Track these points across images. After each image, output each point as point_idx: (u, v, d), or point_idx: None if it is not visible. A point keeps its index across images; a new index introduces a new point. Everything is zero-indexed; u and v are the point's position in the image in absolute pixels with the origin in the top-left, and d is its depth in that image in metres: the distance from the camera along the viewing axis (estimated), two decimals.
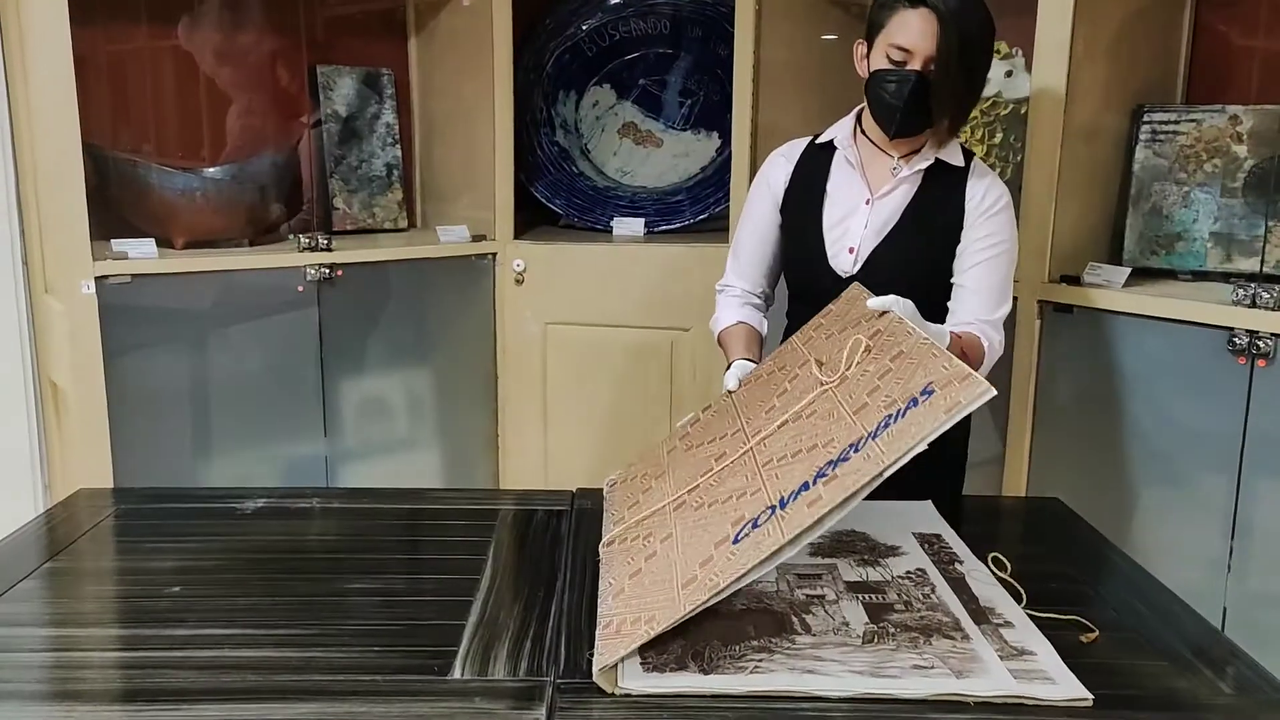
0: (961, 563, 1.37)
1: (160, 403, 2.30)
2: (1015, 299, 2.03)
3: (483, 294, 2.68)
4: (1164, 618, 1.24)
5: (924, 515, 1.56)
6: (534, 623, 1.19)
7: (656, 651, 1.09)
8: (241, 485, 2.43)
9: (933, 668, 1.08)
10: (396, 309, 2.62)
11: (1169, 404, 1.86)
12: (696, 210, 2.72)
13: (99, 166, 2.28)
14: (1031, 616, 1.21)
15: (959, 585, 1.30)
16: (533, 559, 1.38)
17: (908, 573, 1.33)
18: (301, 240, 2.44)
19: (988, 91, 2.15)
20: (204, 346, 2.36)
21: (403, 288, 2.58)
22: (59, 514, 1.53)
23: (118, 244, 2.23)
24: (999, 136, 2.21)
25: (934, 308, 1.64)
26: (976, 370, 1.57)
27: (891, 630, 1.16)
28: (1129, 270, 1.95)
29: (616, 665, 1.06)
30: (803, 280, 1.75)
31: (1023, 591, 1.28)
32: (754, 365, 1.63)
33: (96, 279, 2.15)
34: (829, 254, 1.68)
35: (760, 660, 1.08)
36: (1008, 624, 1.19)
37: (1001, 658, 1.10)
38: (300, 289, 2.43)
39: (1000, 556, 1.35)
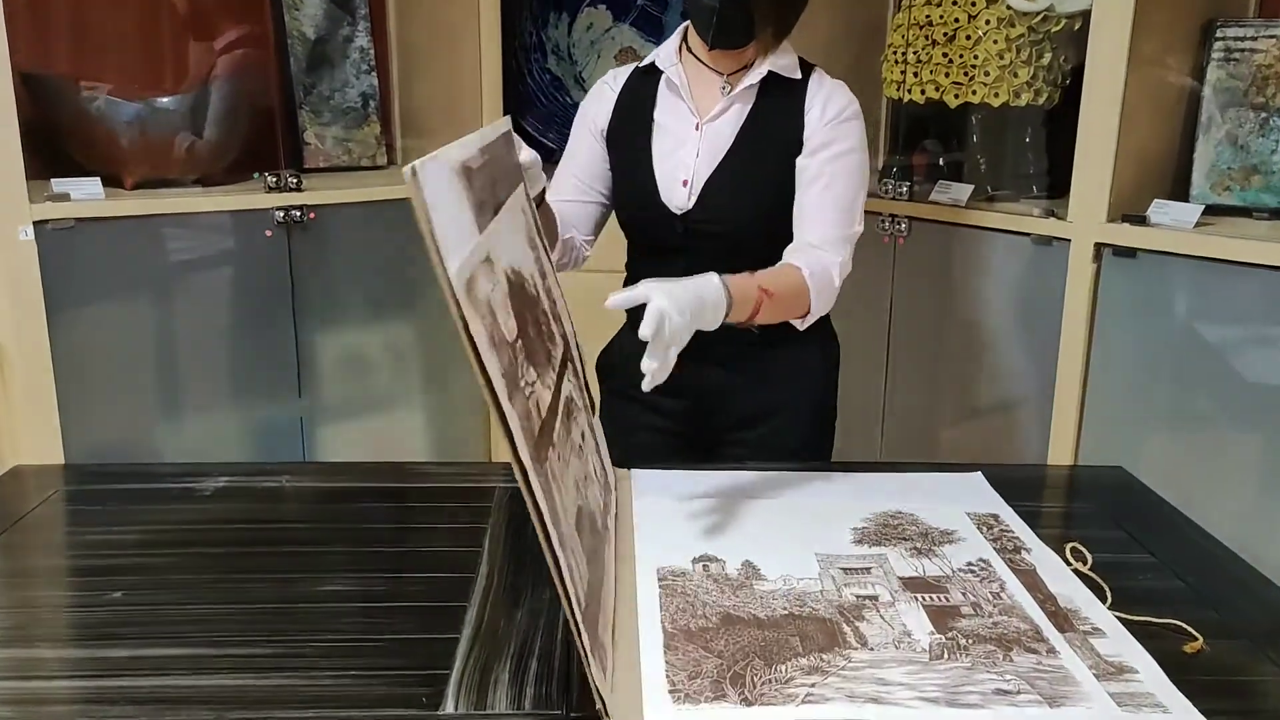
0: (1029, 550, 1.21)
1: (113, 362, 2.11)
2: (1068, 241, 1.87)
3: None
4: (1277, 618, 1.09)
5: (975, 490, 1.40)
6: (540, 634, 1.02)
7: (688, 675, 0.93)
8: (208, 452, 2.27)
9: (1019, 692, 0.92)
10: (376, 255, 2.41)
11: (1246, 360, 1.69)
12: None
13: (35, 95, 2.06)
14: (1121, 620, 1.05)
15: (1030, 580, 1.14)
16: (534, 550, 1.20)
17: (969, 564, 1.17)
18: (268, 179, 2.23)
19: (1037, 5, 1.94)
20: (161, 299, 2.16)
21: (382, 231, 2.38)
22: None
23: (59, 184, 2.02)
24: (1046, 57, 2.00)
25: (785, 241, 1.48)
26: (801, 305, 1.41)
27: (963, 642, 1.00)
28: (1200, 208, 1.76)
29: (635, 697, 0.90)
30: (636, 222, 1.57)
31: (1107, 588, 1.12)
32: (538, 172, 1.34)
33: (35, 224, 1.94)
34: (660, 189, 1.51)
35: (812, 685, 0.92)
36: (1097, 631, 1.03)
37: (1098, 677, 0.94)
38: (268, 234, 2.23)
39: (1080, 548, 1.19)
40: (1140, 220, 1.78)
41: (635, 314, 1.64)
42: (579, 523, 1.01)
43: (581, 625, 0.87)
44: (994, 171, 2.16)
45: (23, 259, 1.94)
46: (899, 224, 2.15)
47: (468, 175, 0.93)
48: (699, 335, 1.27)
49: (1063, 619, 1.05)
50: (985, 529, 1.27)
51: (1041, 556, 1.19)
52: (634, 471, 1.42)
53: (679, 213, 1.51)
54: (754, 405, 1.55)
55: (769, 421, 1.58)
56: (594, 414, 1.30)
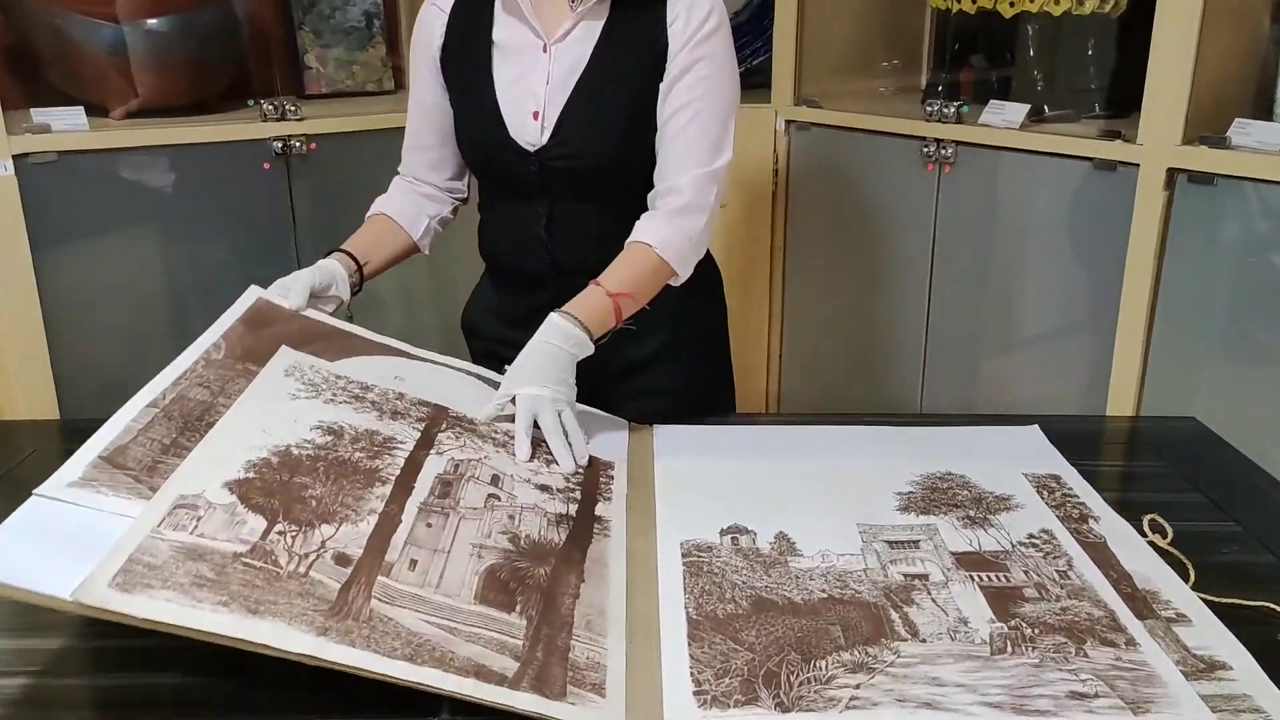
0: (1096, 519, 1.09)
1: (105, 306, 2.01)
2: (1136, 166, 1.71)
3: None
4: None
5: (1033, 447, 1.28)
6: None
7: (715, 672, 0.83)
8: None
9: (1097, 695, 0.80)
10: (383, 188, 2.28)
11: None
12: None
13: (10, 17, 1.93)
14: (1207, 603, 0.93)
15: (1101, 555, 1.02)
16: None
17: (1030, 536, 1.05)
18: (265, 107, 2.09)
19: None
20: (153, 239, 2.05)
21: (389, 163, 2.20)
22: None
23: (39, 114, 1.89)
24: None
25: (652, 175, 1.32)
26: (662, 278, 1.26)
27: (1028, 632, 0.88)
28: None
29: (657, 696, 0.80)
30: (483, 161, 1.39)
31: (1189, 564, 1.00)
32: (342, 270, 1.32)
33: (15, 158, 1.83)
34: (508, 123, 1.32)
35: (857, 686, 0.81)
36: (1181, 618, 0.91)
37: (1186, 675, 0.83)
38: (266, 166, 2.10)
39: (1160, 520, 1.06)
40: (1219, 142, 1.61)
41: (493, 267, 1.51)
42: (505, 575, 0.93)
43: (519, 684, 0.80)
44: (1051, 90, 1.98)
45: (2, 196, 1.83)
46: (944, 149, 1.98)
47: (106, 470, 0.91)
48: (562, 294, 1.25)
49: (1141, 603, 0.93)
50: (1046, 493, 1.15)
51: (1112, 526, 1.07)
52: (656, 428, 1.31)
53: (531, 149, 1.31)
54: (630, 352, 1.38)
55: (651, 367, 1.43)
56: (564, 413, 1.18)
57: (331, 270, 1.32)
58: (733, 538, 1.05)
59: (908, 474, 1.18)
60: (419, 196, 1.44)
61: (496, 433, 1.17)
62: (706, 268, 1.47)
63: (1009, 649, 0.86)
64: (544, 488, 1.09)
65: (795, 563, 1.00)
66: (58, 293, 1.93)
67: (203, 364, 1.12)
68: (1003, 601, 0.93)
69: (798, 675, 0.82)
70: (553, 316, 1.21)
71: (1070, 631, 0.88)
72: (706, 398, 1.48)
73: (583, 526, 1.04)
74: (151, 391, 1.05)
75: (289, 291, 1.27)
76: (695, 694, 0.80)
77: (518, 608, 0.88)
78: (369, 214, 1.44)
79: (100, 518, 0.85)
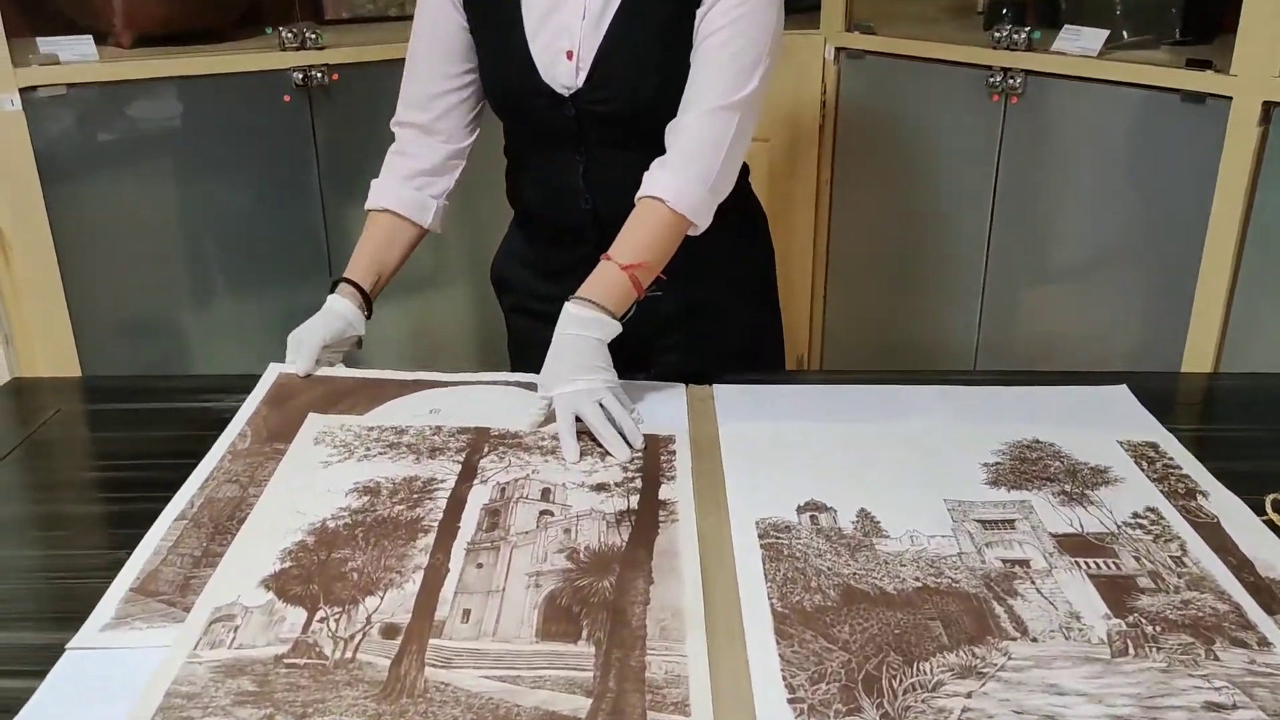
0: (1205, 495, 1.01)
1: (122, 245, 1.93)
2: (1228, 99, 1.58)
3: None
4: None
5: (1123, 410, 1.19)
6: None
7: (809, 676, 0.76)
8: (232, 343, 2.11)
9: (1234, 707, 0.73)
10: None
11: None
12: None
13: None
14: None
15: (1216, 538, 0.94)
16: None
17: (1135, 515, 0.97)
18: (284, 35, 1.98)
19: None
20: (170, 175, 1.96)
21: None
22: None
23: (46, 44, 1.79)
24: None
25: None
26: (680, 232, 1.16)
27: (1149, 629, 0.81)
28: None
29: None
30: (512, 108, 1.28)
31: None
32: (353, 309, 1.26)
33: (22, 91, 1.73)
34: (539, 65, 1.22)
35: (968, 695, 0.74)
36: None
37: None
38: (287, 98, 2.00)
39: None
40: None
41: (525, 219, 1.41)
42: (559, 598, 0.86)
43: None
44: (1131, 14, 1.84)
45: (11, 132, 1.74)
46: (1011, 79, 1.86)
47: (138, 601, 0.85)
48: (604, 244, 1.16)
49: (1267, 594, 0.86)
50: (1145, 464, 1.06)
51: (1223, 503, 0.99)
52: (715, 389, 1.22)
53: (566, 93, 1.22)
54: (676, 304, 1.30)
55: (694, 319, 1.34)
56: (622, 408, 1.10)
57: (343, 314, 1.26)
58: (811, 516, 0.97)
59: (991, 441, 1.10)
60: (420, 176, 1.31)
61: (543, 440, 1.10)
62: (748, 209, 1.38)
63: (1130, 650, 0.79)
64: (600, 487, 1.02)
65: (882, 545, 0.92)
66: (71, 232, 1.85)
67: (229, 458, 1.07)
68: (1116, 593, 0.85)
69: (900, 680, 0.75)
70: (568, 306, 1.13)
71: (1196, 629, 0.81)
72: (756, 350, 1.40)
73: (647, 518, 0.97)
74: (179, 503, 1.00)
75: (300, 347, 1.22)
76: (790, 702, 0.73)
77: (584, 634, 0.81)
78: (369, 210, 1.32)
79: (139, 655, 0.79)
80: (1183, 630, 0.81)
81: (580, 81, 1.21)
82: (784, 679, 0.75)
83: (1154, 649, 0.79)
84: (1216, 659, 0.77)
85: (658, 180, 1.16)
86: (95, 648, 0.80)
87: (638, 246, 1.15)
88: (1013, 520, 0.96)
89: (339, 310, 1.26)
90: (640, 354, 1.24)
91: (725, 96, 1.16)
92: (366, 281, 1.29)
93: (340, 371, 1.25)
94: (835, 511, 0.97)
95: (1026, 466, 1.06)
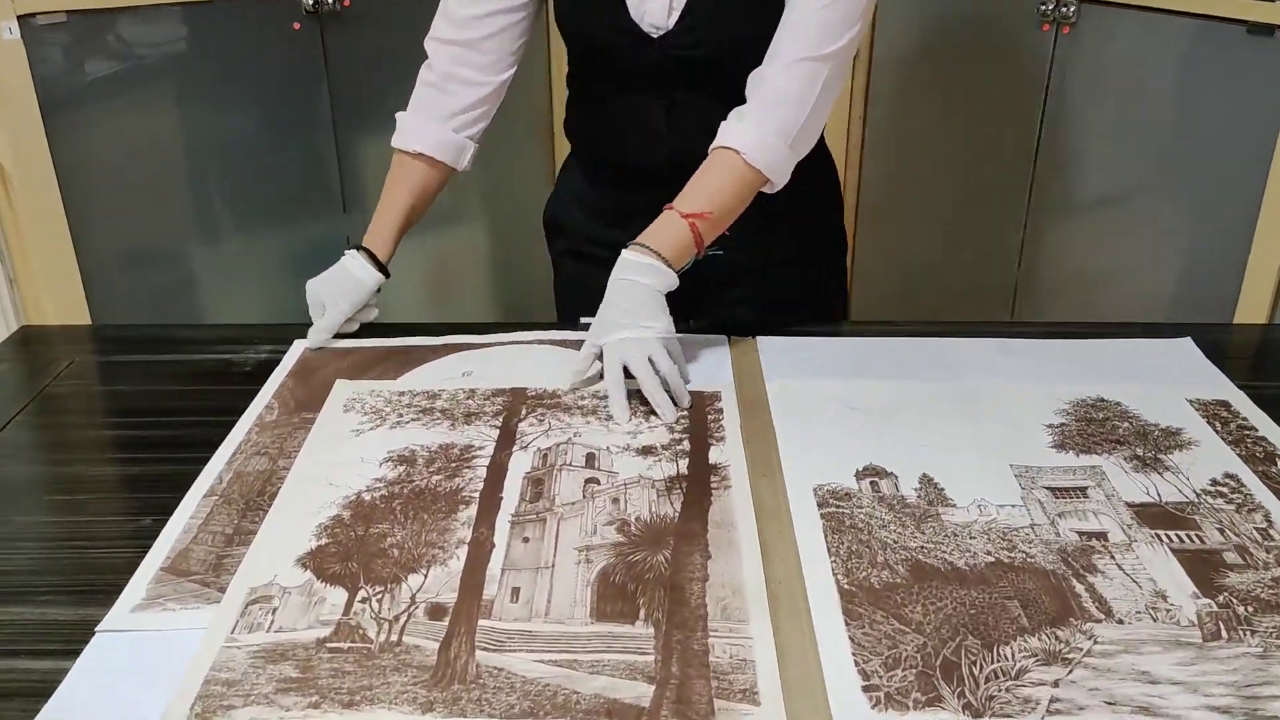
0: None
1: (127, 181, 1.86)
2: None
3: (539, 21, 2.13)
4: None
5: (1190, 364, 1.14)
6: None
7: (884, 661, 0.72)
8: (244, 282, 2.06)
9: None
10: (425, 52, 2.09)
11: None
12: None
13: None
14: None
15: None
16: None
17: (1214, 483, 0.92)
18: None
19: None
20: (175, 106, 1.88)
21: (431, 19, 2.04)
22: None
23: None
24: None
25: None
26: (752, 187, 1.09)
27: (1241, 610, 0.76)
28: None
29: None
30: (589, 45, 1.19)
31: None
32: (370, 282, 1.19)
33: (20, 18, 1.65)
34: (630, 5, 1.13)
35: (1055, 683, 0.70)
36: None
37: None
38: (296, 25, 1.91)
39: None
40: None
41: (590, 161, 1.32)
42: (612, 573, 0.81)
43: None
44: None
45: (10, 62, 1.66)
46: (1064, 6, 1.76)
47: (169, 581, 0.81)
48: (679, 189, 1.09)
49: None
50: (1218, 425, 1.01)
51: None
52: (759, 341, 1.17)
53: (655, 34, 1.13)
54: (744, 255, 1.23)
55: (766, 272, 1.27)
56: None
57: (364, 281, 1.19)
58: (872, 482, 0.92)
59: (1054, 400, 1.05)
60: (458, 116, 1.21)
61: (584, 400, 1.05)
62: (824, 163, 1.30)
63: (1223, 633, 0.74)
64: (646, 451, 0.97)
65: (949, 515, 0.87)
66: (74, 167, 1.79)
67: (256, 430, 1.02)
68: (1202, 569, 0.81)
69: (981, 666, 0.71)
70: (625, 253, 1.07)
71: None
72: (822, 309, 1.34)
73: (698, 485, 0.92)
74: (207, 478, 0.95)
75: (322, 322, 1.17)
76: (865, 690, 0.69)
77: (641, 614, 0.77)
78: (400, 150, 1.22)
79: (173, 638, 0.75)
80: (1277, 611, 0.76)
81: (671, 22, 1.13)
82: (856, 664, 0.71)
83: (1248, 632, 0.74)
84: None
85: (734, 131, 1.09)
86: (127, 630, 0.76)
87: (704, 197, 1.08)
88: (1085, 488, 0.92)
89: (360, 278, 1.18)
90: (698, 305, 1.18)
91: (814, 48, 1.08)
92: (391, 243, 1.22)
93: (367, 342, 1.20)
94: (896, 477, 0.93)
95: (1094, 428, 1.00)
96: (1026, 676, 0.70)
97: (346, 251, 1.20)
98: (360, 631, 0.75)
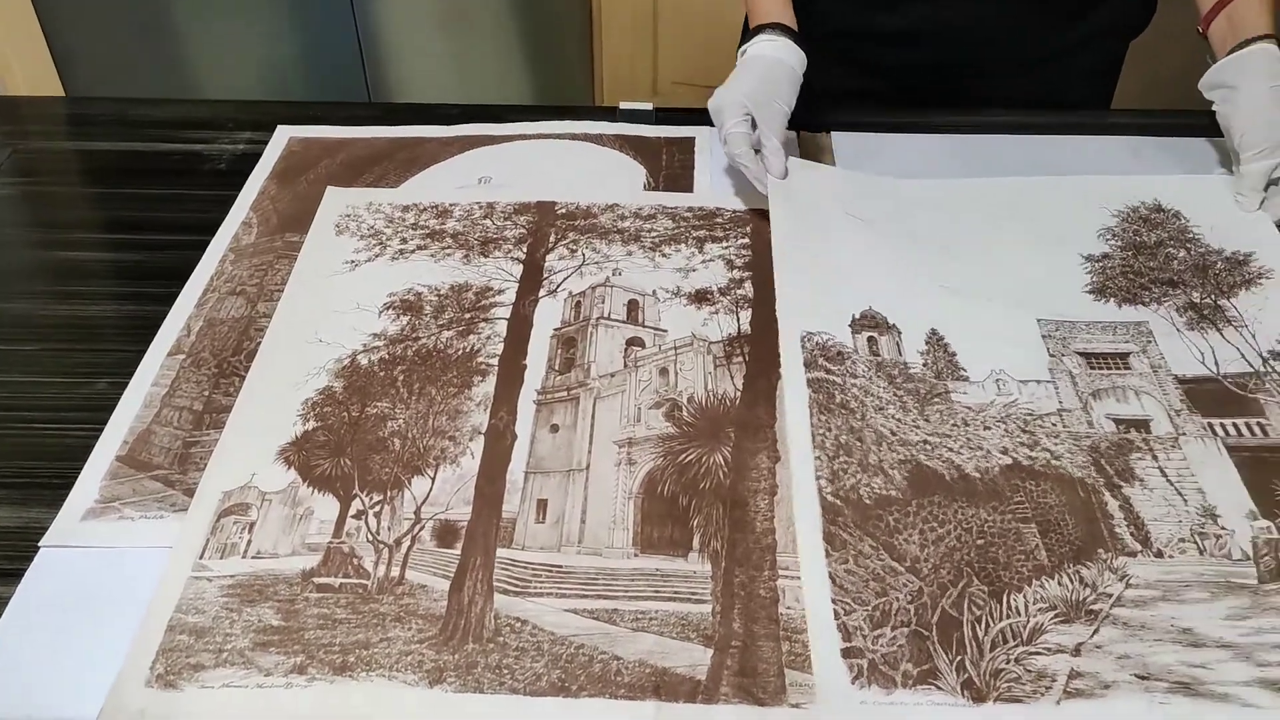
0: None
1: None
2: None
3: None
4: None
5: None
6: None
7: (869, 616, 0.59)
8: (242, 84, 1.78)
9: None
10: None
11: None
12: None
13: None
14: None
15: None
16: None
17: None
18: None
19: None
20: None
21: None
22: None
23: None
24: None
25: None
26: None
27: None
28: None
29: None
30: None
31: None
32: (794, 49, 0.90)
33: None
34: None
35: (1075, 652, 0.57)
36: None
37: None
38: None
39: None
40: None
41: None
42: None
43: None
44: None
45: None
46: None
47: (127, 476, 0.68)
48: None
49: None
50: None
51: None
52: (836, 137, 0.97)
53: None
54: (1027, 44, 1.02)
55: (1049, 65, 1.05)
56: None
57: (794, 67, 0.89)
58: (870, 339, 0.76)
59: (1095, 216, 0.87)
60: None
61: (624, 220, 0.87)
62: None
63: None
64: (701, 298, 0.80)
65: (960, 394, 0.72)
66: None
67: (231, 258, 0.84)
68: (1262, 475, 0.66)
69: (987, 626, 0.59)
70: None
71: None
72: None
73: (764, 350, 0.75)
74: (172, 328, 0.77)
75: (749, 126, 0.86)
76: (845, 655, 0.57)
77: (695, 542, 0.63)
78: None
79: (130, 557, 0.62)
80: None
81: None
82: (836, 615, 0.59)
83: None
84: None
85: None
86: (77, 546, 0.64)
87: None
88: (1127, 354, 0.76)
89: (791, 63, 0.89)
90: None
91: None
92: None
93: (363, 131, 0.99)
94: (899, 332, 0.76)
95: (1142, 261, 0.83)
96: (1042, 639, 0.58)
97: (752, 41, 0.91)
98: (355, 561, 0.62)
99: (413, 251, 0.85)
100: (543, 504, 0.66)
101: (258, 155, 0.97)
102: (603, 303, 0.80)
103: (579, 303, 0.80)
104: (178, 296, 0.81)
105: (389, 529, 0.64)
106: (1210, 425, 0.70)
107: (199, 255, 0.85)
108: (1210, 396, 0.72)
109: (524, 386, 0.74)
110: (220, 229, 0.88)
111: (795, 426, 0.68)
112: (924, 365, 0.74)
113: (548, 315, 0.79)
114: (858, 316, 0.77)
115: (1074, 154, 0.95)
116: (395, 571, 0.62)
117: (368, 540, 0.64)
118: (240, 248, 0.86)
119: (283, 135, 1.00)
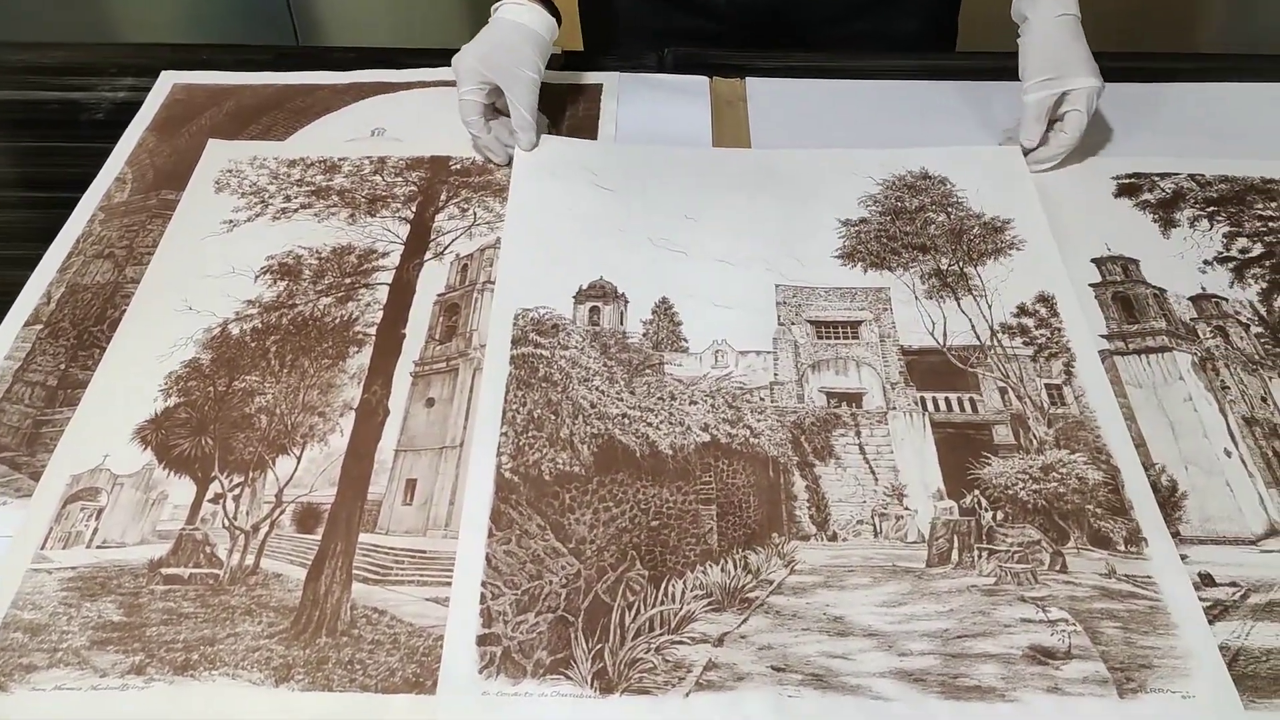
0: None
1: None
2: None
3: None
4: None
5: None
6: None
7: (517, 600, 0.57)
8: (154, 18, 1.69)
9: (1068, 654, 0.55)
10: None
11: None
12: None
13: None
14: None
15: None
16: None
17: (1020, 310, 0.74)
18: None
19: None
20: None
21: None
22: None
23: None
24: None
25: None
26: None
27: (986, 518, 0.61)
28: None
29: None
30: None
31: None
32: (549, 15, 0.85)
33: None
34: None
35: (717, 641, 0.55)
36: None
37: (1211, 610, 0.58)
38: None
39: None
40: None
41: None
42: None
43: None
44: None
45: None
46: None
47: None
48: None
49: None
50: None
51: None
52: (751, 83, 0.94)
53: None
54: None
55: (883, 6, 1.02)
56: None
57: (541, 34, 0.84)
58: (592, 308, 0.73)
59: (860, 184, 0.83)
60: None
61: None
62: None
63: (954, 556, 0.60)
64: None
65: (674, 365, 0.69)
66: None
67: (101, 217, 0.78)
68: (959, 453, 0.64)
69: (638, 611, 0.57)
70: None
71: (1048, 517, 0.61)
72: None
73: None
74: (31, 295, 0.72)
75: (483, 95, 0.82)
76: (480, 642, 0.55)
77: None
78: None
79: None
80: (1030, 517, 0.61)
81: None
82: (483, 599, 0.57)
83: (984, 553, 0.60)
84: (1063, 569, 0.59)
85: None
86: None
87: None
88: (859, 323, 0.73)
89: (537, 30, 0.84)
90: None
91: None
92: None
93: (254, 77, 0.93)
94: (626, 301, 0.74)
95: (899, 226, 0.80)
96: (689, 629, 0.56)
97: (503, 3, 0.85)
98: (207, 549, 0.59)
99: (296, 211, 0.80)
100: (411, 484, 0.63)
101: (139, 104, 0.90)
102: (491, 266, 0.76)
103: (465, 266, 0.76)
104: (39, 261, 0.76)
105: (247, 513, 0.61)
106: (922, 400, 0.68)
107: (68, 215, 0.80)
108: (930, 369, 0.70)
109: (401, 357, 0.70)
110: (91, 186, 0.82)
111: (485, 406, 0.66)
112: (643, 335, 0.71)
113: (432, 280, 0.75)
114: (585, 287, 0.74)
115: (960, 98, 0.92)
116: (250, 560, 0.59)
117: (224, 526, 0.60)
118: (111, 206, 0.81)
119: (166, 82, 0.93)
